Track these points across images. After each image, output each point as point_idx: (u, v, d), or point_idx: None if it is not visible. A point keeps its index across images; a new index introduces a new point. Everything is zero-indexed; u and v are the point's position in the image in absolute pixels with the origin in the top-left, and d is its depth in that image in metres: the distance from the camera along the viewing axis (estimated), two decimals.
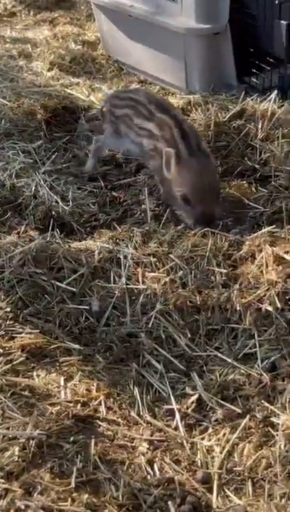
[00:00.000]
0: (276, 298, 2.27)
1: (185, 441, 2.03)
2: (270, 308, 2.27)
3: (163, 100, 3.36)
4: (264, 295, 2.30)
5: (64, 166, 3.51)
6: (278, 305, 2.26)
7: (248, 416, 2.07)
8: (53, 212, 3.03)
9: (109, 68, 4.66)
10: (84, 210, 3.14)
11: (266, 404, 2.10)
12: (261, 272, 2.36)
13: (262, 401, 2.11)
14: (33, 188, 3.18)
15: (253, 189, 3.17)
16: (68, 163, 3.54)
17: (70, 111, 3.86)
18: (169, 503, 1.82)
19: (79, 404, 2.10)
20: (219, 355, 2.28)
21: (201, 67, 4.01)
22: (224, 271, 2.44)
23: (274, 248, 2.38)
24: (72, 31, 5.30)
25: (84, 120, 3.81)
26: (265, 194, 3.09)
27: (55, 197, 3.15)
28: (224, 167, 3.28)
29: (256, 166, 3.27)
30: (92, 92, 4.22)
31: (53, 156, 3.51)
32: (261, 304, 2.29)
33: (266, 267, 2.36)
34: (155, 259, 2.55)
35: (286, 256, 2.33)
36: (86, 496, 1.81)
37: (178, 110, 3.39)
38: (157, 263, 2.54)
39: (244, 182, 3.21)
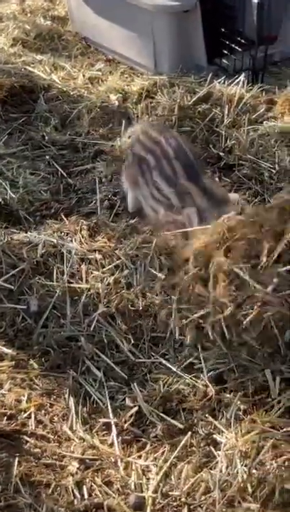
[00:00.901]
0: None
1: (119, 460, 1.85)
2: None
3: (191, 154, 2.68)
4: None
5: (18, 149, 3.30)
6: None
7: (190, 432, 1.90)
8: (0, 200, 2.82)
9: (76, 45, 4.40)
10: (36, 198, 2.92)
11: (211, 418, 1.93)
12: None
13: (206, 415, 1.94)
14: None
15: (216, 179, 2.98)
16: (23, 146, 3.32)
17: (28, 90, 3.61)
18: None
19: (5, 418, 1.91)
20: (164, 362, 2.10)
21: (170, 47, 3.80)
22: (162, 276, 2.23)
23: None
24: (41, 6, 5.05)
25: (43, 100, 3.58)
26: (228, 184, 2.91)
27: (4, 183, 2.94)
28: None
29: (221, 154, 3.09)
30: (54, 71, 3.97)
31: (5, 138, 3.30)
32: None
33: None
34: (100, 255, 2.35)
35: None
36: None
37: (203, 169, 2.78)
38: (102, 260, 2.35)
39: (208, 171, 3.00)
